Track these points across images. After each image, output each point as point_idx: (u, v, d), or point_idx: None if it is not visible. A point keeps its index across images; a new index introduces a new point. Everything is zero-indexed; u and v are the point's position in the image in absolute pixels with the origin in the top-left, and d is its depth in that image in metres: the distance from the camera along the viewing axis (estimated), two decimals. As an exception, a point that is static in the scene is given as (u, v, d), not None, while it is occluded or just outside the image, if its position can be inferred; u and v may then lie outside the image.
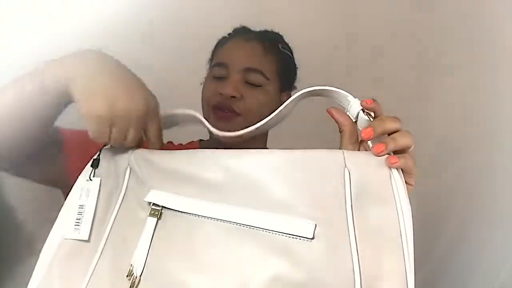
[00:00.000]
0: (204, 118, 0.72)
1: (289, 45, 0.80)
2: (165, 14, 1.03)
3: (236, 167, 0.39)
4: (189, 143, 0.79)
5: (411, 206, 0.36)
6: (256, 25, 0.79)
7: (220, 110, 0.69)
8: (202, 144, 0.79)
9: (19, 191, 0.98)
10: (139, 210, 0.42)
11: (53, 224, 0.45)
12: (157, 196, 0.41)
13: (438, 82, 1.09)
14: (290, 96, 0.76)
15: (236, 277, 0.35)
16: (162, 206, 0.41)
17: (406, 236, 0.35)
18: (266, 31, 0.77)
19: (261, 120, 0.71)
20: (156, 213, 0.41)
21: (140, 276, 0.38)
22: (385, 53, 1.11)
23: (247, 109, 0.69)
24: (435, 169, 1.07)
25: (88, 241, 0.42)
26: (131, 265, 0.38)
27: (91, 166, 0.46)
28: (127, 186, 0.44)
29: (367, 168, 0.37)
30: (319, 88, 0.45)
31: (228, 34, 0.78)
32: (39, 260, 0.43)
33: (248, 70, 0.70)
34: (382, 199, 0.35)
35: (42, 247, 0.43)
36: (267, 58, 0.72)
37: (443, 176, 1.07)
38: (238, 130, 0.67)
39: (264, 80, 0.70)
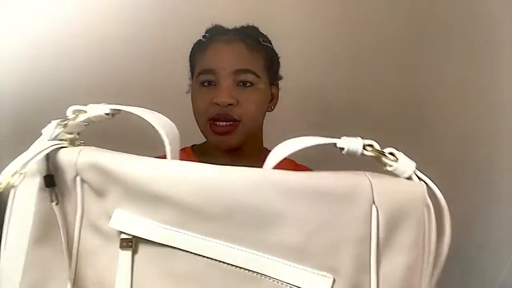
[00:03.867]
0: (201, 129, 0.70)
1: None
2: (157, 15, 1.03)
3: (229, 192, 0.30)
4: (181, 150, 0.74)
5: None
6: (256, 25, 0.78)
7: (220, 121, 0.67)
8: (196, 151, 0.76)
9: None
10: (106, 233, 0.33)
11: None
12: (125, 220, 0.32)
13: (439, 82, 1.09)
14: (278, 87, 0.76)
15: None
16: (133, 236, 0.32)
17: (424, 278, 0.31)
18: (242, 28, 0.75)
19: (258, 119, 0.70)
20: (129, 244, 0.32)
21: None
22: (385, 53, 1.11)
23: (244, 113, 0.68)
24: (435, 169, 1.07)
25: (47, 276, 0.34)
26: None
27: (47, 186, 0.34)
28: (83, 202, 0.34)
29: (399, 202, 0.30)
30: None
31: (203, 37, 0.75)
32: None
33: (238, 71, 0.68)
34: (412, 242, 0.31)
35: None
36: (253, 56, 0.70)
37: (443, 176, 1.06)
38: (240, 139, 0.67)
39: (256, 79, 0.69)
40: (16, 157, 0.34)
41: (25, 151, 0.35)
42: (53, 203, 0.34)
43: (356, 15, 1.10)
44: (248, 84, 0.69)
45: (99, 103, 0.39)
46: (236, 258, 0.30)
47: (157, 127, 0.34)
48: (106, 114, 0.37)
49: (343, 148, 0.33)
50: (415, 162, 0.33)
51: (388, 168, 0.33)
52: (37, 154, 0.33)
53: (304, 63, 1.06)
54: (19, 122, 0.98)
